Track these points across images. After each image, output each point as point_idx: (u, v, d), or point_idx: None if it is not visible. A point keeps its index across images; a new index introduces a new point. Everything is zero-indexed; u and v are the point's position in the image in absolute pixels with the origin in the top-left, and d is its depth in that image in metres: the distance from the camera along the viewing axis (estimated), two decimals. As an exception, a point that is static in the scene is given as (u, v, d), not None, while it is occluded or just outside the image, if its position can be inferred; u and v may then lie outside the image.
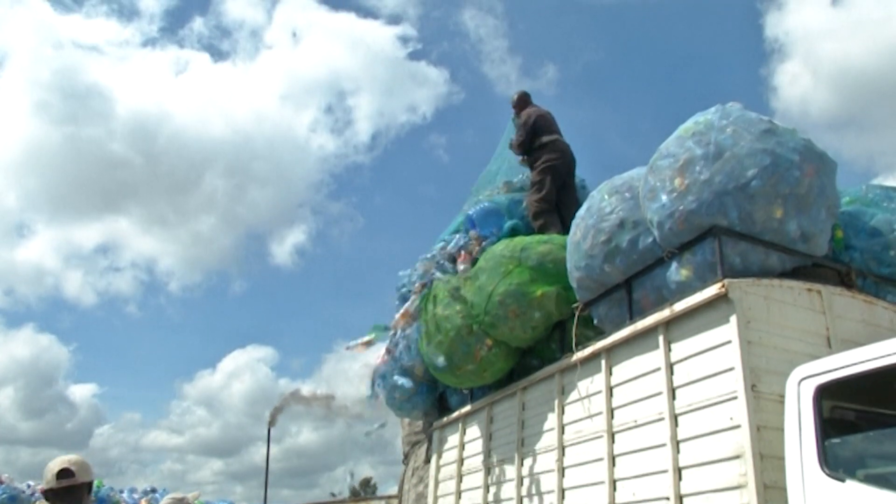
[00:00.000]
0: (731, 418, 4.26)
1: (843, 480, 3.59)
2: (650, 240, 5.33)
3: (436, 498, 8.25)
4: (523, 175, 8.55)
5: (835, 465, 3.68)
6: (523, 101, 8.80)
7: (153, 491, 10.23)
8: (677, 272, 5.08)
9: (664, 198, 5.05)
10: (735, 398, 4.25)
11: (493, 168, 9.22)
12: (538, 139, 8.24)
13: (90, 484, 3.21)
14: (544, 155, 8.12)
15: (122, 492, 9.96)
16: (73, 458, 3.16)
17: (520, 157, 8.62)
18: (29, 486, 9.12)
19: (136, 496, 9.89)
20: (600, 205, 5.75)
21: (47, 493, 3.14)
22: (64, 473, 3.08)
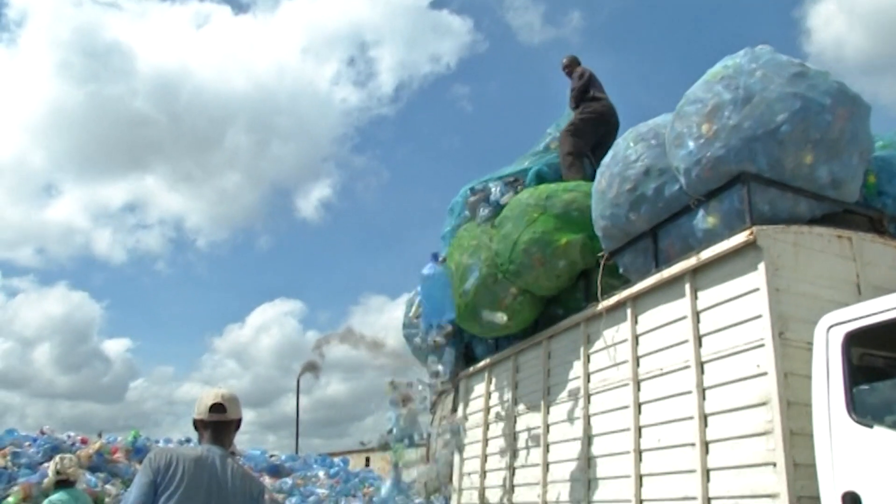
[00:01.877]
0: (758, 366, 4.25)
1: (870, 426, 3.59)
2: (676, 187, 5.26)
3: (463, 446, 8.38)
4: None
5: (863, 411, 3.67)
6: (574, 61, 8.62)
7: (188, 441, 10.51)
8: (704, 220, 5.03)
9: (691, 144, 4.97)
10: (762, 346, 4.24)
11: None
12: (590, 93, 8.10)
13: (239, 420, 3.19)
14: (593, 105, 7.98)
15: (157, 442, 10.26)
16: (226, 393, 3.12)
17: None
18: (69, 437, 9.41)
19: (170, 445, 10.17)
20: (625, 152, 5.68)
21: (197, 423, 3.12)
22: (217, 408, 3.05)
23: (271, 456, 10.98)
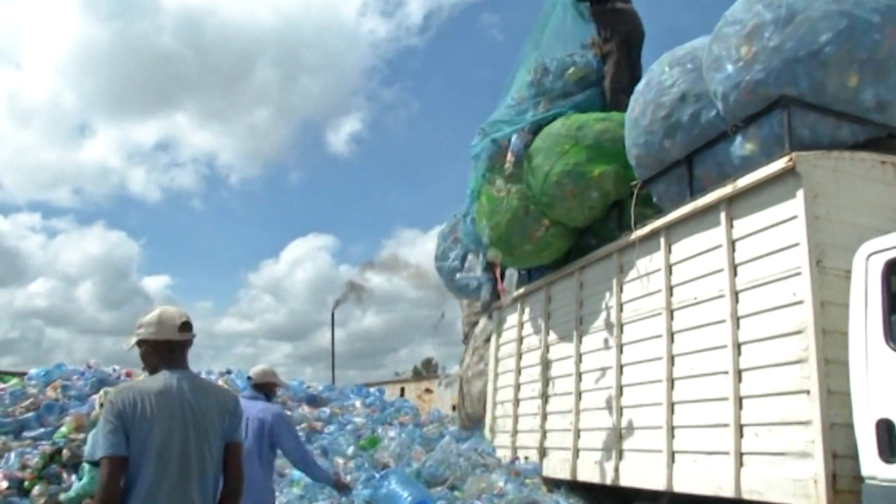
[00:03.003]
0: (794, 294, 4.21)
1: (908, 354, 3.55)
2: (713, 113, 5.12)
3: (496, 375, 8.51)
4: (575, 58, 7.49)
5: (901, 339, 3.62)
6: None
7: (228, 372, 10.80)
8: (742, 146, 4.90)
9: (730, 67, 4.81)
10: (799, 274, 4.19)
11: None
12: (613, 2, 7.60)
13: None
14: (619, 25, 7.48)
15: (199, 373, 10.54)
16: (184, 311, 2.89)
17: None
18: (115, 370, 9.71)
19: (212, 377, 10.48)
20: (660, 78, 5.52)
21: (158, 345, 2.79)
22: (186, 326, 2.83)
23: (308, 387, 11.23)
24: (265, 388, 5.03)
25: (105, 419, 2.53)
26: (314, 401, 10.30)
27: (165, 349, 2.81)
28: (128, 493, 2.50)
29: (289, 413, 9.08)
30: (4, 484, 6.64)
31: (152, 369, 2.81)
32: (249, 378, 5.10)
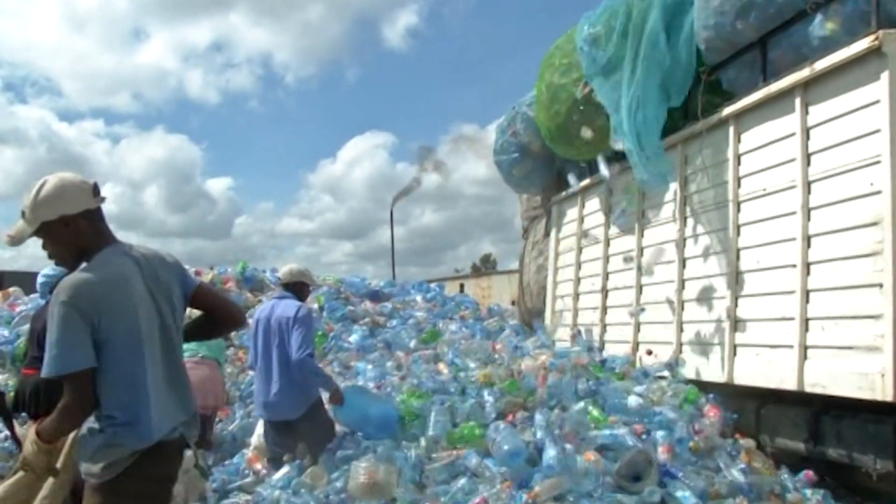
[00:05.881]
0: (872, 184, 4.00)
1: None
2: (791, -10, 4.75)
3: (556, 269, 8.49)
4: None
5: None
6: None
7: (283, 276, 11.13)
8: (821, 26, 4.55)
9: (811, -62, 4.42)
10: (878, 162, 3.96)
11: None
12: None
13: None
14: None
15: (264, 272, 10.87)
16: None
17: None
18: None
19: (277, 275, 10.80)
20: (735, -47, 5.11)
21: (80, 219, 2.26)
22: (97, 188, 2.31)
23: (370, 283, 11.45)
24: (294, 287, 4.90)
25: (66, 327, 2.12)
26: (376, 296, 10.52)
27: (88, 223, 2.29)
28: (124, 390, 2.23)
29: (351, 309, 9.32)
30: None
31: (80, 253, 2.28)
32: (278, 278, 4.82)
